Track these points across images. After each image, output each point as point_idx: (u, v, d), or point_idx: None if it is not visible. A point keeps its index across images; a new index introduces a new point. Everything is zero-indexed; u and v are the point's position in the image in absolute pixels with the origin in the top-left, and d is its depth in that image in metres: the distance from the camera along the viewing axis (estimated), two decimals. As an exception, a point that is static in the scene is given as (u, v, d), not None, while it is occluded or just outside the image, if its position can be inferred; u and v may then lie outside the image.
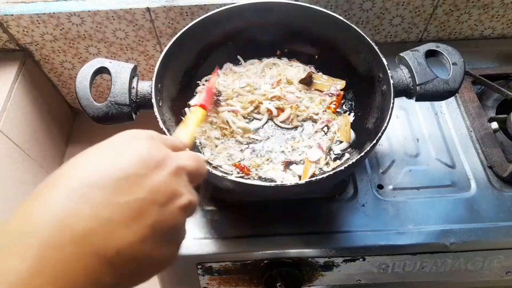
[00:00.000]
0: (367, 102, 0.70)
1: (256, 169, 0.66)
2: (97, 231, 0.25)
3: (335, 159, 0.68)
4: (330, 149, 0.69)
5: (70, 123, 1.17)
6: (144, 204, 0.27)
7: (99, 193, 0.26)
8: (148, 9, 0.84)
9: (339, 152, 0.69)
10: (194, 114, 0.57)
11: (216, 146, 0.68)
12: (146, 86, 0.61)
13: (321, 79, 0.76)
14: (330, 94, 0.74)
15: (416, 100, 0.63)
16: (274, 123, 0.72)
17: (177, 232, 0.31)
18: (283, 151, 0.68)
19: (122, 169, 0.28)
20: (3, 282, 0.22)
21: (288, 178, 0.65)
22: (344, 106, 0.75)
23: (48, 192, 0.26)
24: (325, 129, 0.71)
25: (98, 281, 0.25)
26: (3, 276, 0.22)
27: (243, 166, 0.65)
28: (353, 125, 0.71)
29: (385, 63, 0.62)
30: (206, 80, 0.77)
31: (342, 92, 0.74)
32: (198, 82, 0.76)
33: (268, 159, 0.67)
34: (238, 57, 0.78)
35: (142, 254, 0.27)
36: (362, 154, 0.55)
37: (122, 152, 0.30)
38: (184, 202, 0.30)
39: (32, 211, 0.25)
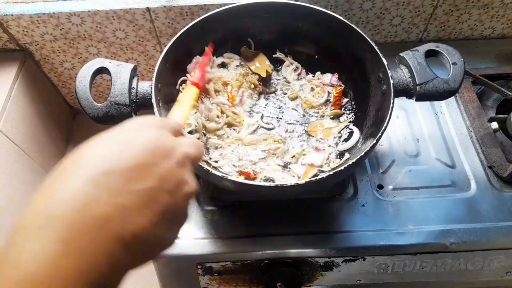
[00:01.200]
0: (367, 102, 0.70)
1: (254, 169, 0.66)
2: (114, 217, 0.27)
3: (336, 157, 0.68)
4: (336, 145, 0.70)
5: (70, 123, 1.17)
6: (155, 192, 0.30)
7: (114, 180, 0.28)
8: (148, 9, 0.84)
9: (341, 151, 0.69)
10: (187, 93, 0.56)
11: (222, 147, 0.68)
12: (146, 86, 0.61)
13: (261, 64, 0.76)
14: (330, 85, 0.75)
15: (416, 100, 0.63)
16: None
17: (182, 216, 0.34)
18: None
19: (134, 159, 0.30)
20: (35, 262, 0.24)
21: (288, 178, 0.65)
22: (343, 107, 0.75)
23: (66, 178, 0.28)
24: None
25: (117, 263, 0.27)
26: (34, 256, 0.24)
27: (248, 172, 0.65)
28: (353, 125, 0.71)
29: (385, 63, 0.62)
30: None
31: (341, 88, 0.75)
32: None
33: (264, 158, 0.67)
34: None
35: (153, 236, 0.30)
36: (362, 154, 0.55)
37: (134, 142, 0.31)
38: (189, 190, 0.33)
39: (54, 196, 0.27)
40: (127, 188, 0.28)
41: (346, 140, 0.70)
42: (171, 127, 0.36)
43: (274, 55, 0.79)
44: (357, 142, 0.68)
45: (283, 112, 0.74)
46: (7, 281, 0.23)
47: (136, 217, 0.28)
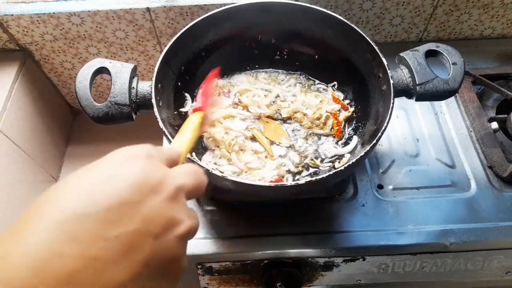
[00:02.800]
0: (367, 102, 0.70)
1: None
2: (83, 273, 0.22)
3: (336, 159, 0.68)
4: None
5: (70, 123, 1.17)
6: (136, 237, 0.24)
7: (85, 227, 0.23)
8: (148, 9, 0.84)
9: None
10: (190, 120, 0.53)
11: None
12: (146, 86, 0.61)
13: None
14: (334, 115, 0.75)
15: (416, 100, 0.63)
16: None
17: (175, 264, 0.28)
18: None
19: (112, 197, 0.25)
20: None
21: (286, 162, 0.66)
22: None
23: (27, 226, 0.23)
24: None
25: None
26: None
27: (277, 179, 0.65)
28: (353, 125, 0.71)
29: (385, 63, 0.62)
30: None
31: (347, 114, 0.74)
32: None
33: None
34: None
35: None
36: (362, 154, 0.55)
37: (115, 176, 0.26)
38: (183, 231, 0.27)
39: (9, 251, 0.22)
40: (102, 235, 0.23)
41: (345, 144, 0.70)
42: (165, 156, 0.31)
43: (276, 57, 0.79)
44: (355, 147, 0.68)
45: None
46: None
47: (111, 271, 0.23)
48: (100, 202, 0.24)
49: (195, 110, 0.55)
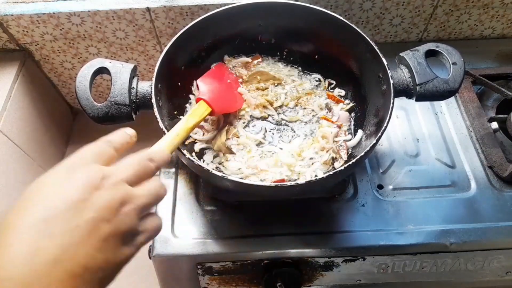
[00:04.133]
0: (367, 102, 0.70)
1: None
2: (62, 256, 0.30)
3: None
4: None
5: (70, 123, 1.17)
6: (93, 222, 0.32)
7: (53, 224, 0.31)
8: (148, 9, 0.84)
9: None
10: (192, 112, 0.53)
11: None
12: (146, 86, 0.61)
13: None
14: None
15: (416, 100, 0.63)
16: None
17: (133, 232, 0.36)
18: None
19: (67, 199, 0.32)
20: None
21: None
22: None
23: (8, 232, 0.31)
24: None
25: None
26: None
27: (282, 178, 0.65)
28: (354, 125, 0.71)
29: (385, 63, 0.62)
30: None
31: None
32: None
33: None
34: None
35: (105, 261, 0.33)
36: (362, 154, 0.55)
37: (64, 185, 0.34)
38: (136, 204, 0.35)
39: (1, 254, 0.29)
40: (66, 227, 0.31)
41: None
42: (107, 157, 0.38)
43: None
44: (360, 140, 0.68)
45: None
46: None
47: (81, 250, 0.31)
48: (58, 206, 0.32)
49: (200, 99, 0.55)
